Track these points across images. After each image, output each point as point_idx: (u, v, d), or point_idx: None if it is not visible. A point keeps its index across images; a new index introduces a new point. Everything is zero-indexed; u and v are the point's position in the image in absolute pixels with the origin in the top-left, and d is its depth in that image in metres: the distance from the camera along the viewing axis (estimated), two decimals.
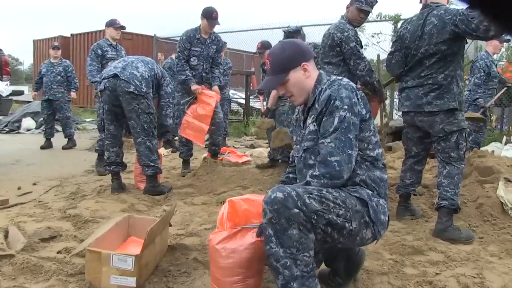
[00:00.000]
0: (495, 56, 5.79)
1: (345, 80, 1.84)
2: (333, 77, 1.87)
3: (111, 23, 5.24)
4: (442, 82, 2.90)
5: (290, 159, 2.16)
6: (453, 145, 2.92)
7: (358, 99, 1.78)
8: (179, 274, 2.20)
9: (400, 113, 3.25)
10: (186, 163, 4.91)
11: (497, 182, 3.40)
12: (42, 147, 6.90)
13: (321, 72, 1.92)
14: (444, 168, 2.95)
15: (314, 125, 1.82)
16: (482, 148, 5.16)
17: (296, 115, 2.08)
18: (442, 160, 2.97)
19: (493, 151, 4.50)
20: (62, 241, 2.62)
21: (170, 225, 2.59)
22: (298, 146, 1.97)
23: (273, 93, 4.71)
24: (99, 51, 5.13)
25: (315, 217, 1.58)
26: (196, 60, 4.70)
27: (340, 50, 3.48)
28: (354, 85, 1.83)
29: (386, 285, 2.16)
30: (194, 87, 4.61)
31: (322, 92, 1.80)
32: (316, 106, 1.81)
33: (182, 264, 2.32)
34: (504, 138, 6.73)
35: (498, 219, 3.09)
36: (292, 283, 1.56)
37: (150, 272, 2.16)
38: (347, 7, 3.57)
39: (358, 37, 3.55)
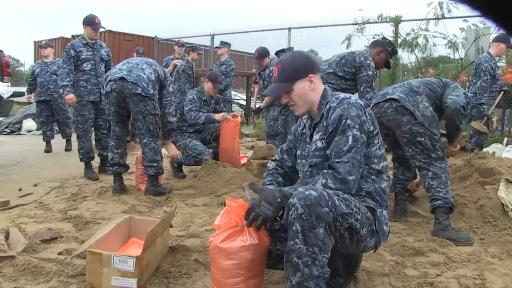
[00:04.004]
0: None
1: (353, 97, 1.89)
2: (341, 95, 1.91)
3: (90, 22, 4.71)
4: (412, 86, 3.09)
5: (276, 156, 2.17)
6: (430, 147, 2.95)
7: (366, 116, 1.83)
8: (180, 276, 2.21)
9: None
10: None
11: (498, 183, 3.39)
12: (47, 151, 6.74)
13: (326, 88, 1.97)
14: (427, 171, 2.97)
15: (322, 143, 1.86)
16: (483, 150, 5.15)
17: (301, 130, 2.08)
18: (424, 162, 2.98)
19: (494, 153, 4.49)
20: (63, 243, 2.62)
21: (171, 226, 2.59)
22: (303, 161, 1.98)
23: (268, 98, 4.80)
24: (72, 52, 4.64)
25: (340, 220, 1.63)
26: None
27: (355, 71, 3.58)
28: (362, 103, 1.88)
29: (387, 286, 2.16)
30: (217, 116, 4.81)
31: (331, 111, 1.84)
32: (324, 123, 1.85)
33: (183, 265, 2.32)
34: (505, 139, 6.73)
35: (499, 221, 3.09)
36: (309, 282, 1.59)
37: (151, 274, 2.17)
38: (378, 52, 3.73)
39: (376, 72, 3.76)
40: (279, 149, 2.20)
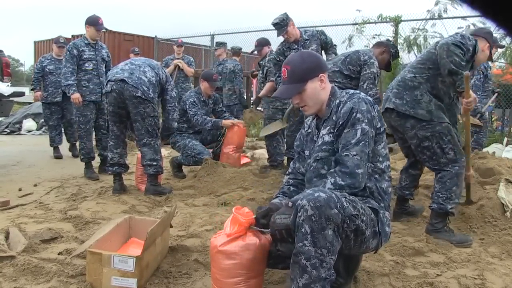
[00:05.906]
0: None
1: (363, 94, 1.89)
2: (350, 91, 1.92)
3: (94, 23, 4.71)
4: (407, 82, 2.89)
5: (289, 170, 2.17)
6: (439, 152, 2.82)
7: (375, 112, 1.84)
8: (180, 276, 2.21)
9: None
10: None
11: (498, 183, 3.39)
12: (57, 157, 6.12)
13: (333, 86, 1.97)
14: (438, 173, 2.90)
15: (330, 136, 1.87)
16: (483, 150, 5.16)
17: (307, 130, 2.08)
18: (434, 168, 2.89)
19: (494, 153, 4.51)
20: (63, 243, 2.62)
21: (171, 226, 2.59)
22: (309, 160, 1.98)
23: (268, 85, 4.78)
24: (75, 51, 4.64)
25: (348, 221, 1.63)
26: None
27: (359, 70, 3.61)
28: (371, 98, 1.89)
29: (387, 286, 2.16)
30: (225, 123, 4.82)
31: (342, 105, 1.84)
32: (334, 118, 1.86)
33: (183, 265, 2.32)
34: (505, 139, 6.74)
35: (499, 220, 3.08)
36: (316, 284, 1.59)
37: (151, 273, 2.17)
38: (382, 52, 3.75)
39: (379, 71, 3.76)
40: (292, 161, 2.19)
